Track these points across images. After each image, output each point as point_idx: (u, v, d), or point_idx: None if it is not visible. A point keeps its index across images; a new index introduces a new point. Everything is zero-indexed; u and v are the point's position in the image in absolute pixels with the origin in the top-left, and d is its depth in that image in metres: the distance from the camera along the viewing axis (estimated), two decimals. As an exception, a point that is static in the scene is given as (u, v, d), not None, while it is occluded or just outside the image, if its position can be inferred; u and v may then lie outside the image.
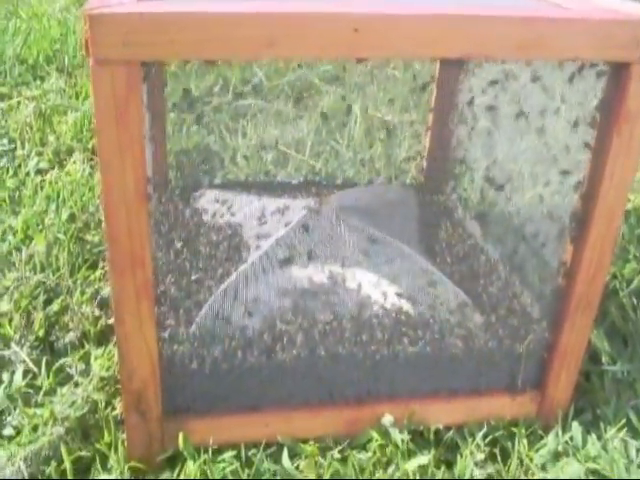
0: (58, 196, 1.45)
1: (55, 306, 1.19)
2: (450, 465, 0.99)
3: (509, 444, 1.02)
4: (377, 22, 0.73)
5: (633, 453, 1.01)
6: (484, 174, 1.14)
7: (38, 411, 1.00)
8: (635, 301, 1.26)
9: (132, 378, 0.89)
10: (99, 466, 0.94)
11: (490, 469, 0.98)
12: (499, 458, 1.00)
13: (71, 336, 1.15)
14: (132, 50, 0.70)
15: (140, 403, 0.91)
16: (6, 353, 1.09)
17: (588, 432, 1.04)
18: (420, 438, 1.01)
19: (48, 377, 1.06)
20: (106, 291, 1.22)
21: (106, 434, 0.98)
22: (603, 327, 1.21)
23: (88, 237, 1.36)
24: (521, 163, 1.11)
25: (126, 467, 0.94)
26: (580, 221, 0.93)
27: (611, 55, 0.80)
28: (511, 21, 0.75)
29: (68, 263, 1.28)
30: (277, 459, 0.97)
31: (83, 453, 0.95)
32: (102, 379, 1.06)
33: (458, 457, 0.99)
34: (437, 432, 1.02)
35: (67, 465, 0.93)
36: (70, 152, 1.65)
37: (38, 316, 1.16)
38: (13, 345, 1.11)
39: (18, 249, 1.32)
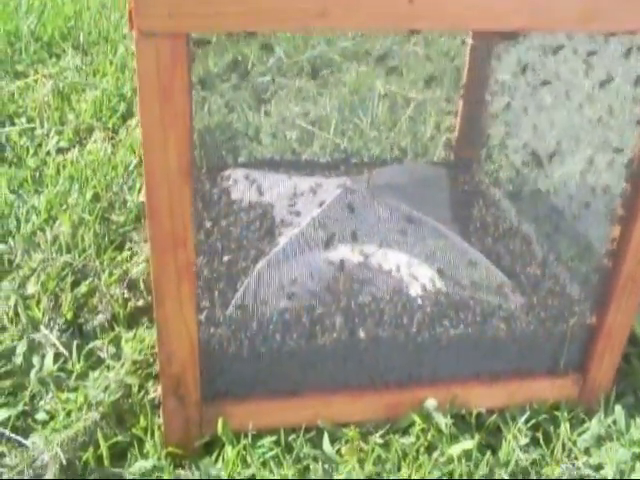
0: (81, 175, 1.42)
1: (83, 288, 1.16)
2: (492, 449, 0.97)
3: (551, 428, 1.00)
4: (433, -8, 0.69)
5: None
6: (526, 150, 1.10)
7: (71, 396, 0.98)
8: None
9: (171, 361, 0.87)
10: (136, 451, 0.92)
11: (534, 454, 0.96)
12: (542, 442, 0.98)
13: (100, 318, 1.13)
14: (178, 21, 0.67)
15: (179, 387, 0.89)
16: (36, 336, 1.07)
17: (631, 416, 1.02)
18: (461, 422, 0.99)
19: (79, 361, 1.04)
20: (135, 272, 1.19)
21: (142, 419, 0.96)
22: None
23: (113, 217, 1.33)
24: (566, 139, 1.08)
25: (163, 452, 0.92)
26: (629, 200, 0.90)
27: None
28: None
29: (94, 244, 1.25)
30: (317, 444, 0.95)
31: (120, 439, 0.93)
32: (134, 362, 1.04)
33: (501, 441, 0.97)
34: (478, 416, 1.00)
35: (104, 451, 0.91)
36: (90, 131, 1.61)
37: (66, 298, 1.14)
38: (42, 328, 1.08)
39: (42, 229, 1.29)
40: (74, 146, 1.56)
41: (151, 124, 0.72)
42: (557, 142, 1.09)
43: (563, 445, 0.98)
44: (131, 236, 1.30)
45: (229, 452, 0.92)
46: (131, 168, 1.45)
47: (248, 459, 0.91)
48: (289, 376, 0.95)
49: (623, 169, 0.91)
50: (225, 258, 1.07)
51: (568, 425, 1.00)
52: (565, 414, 1.01)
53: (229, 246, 1.10)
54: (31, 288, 1.15)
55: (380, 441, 0.94)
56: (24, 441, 0.92)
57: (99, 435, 0.91)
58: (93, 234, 1.26)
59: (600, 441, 0.99)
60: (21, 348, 1.04)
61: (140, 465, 0.90)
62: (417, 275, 1.04)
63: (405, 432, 0.97)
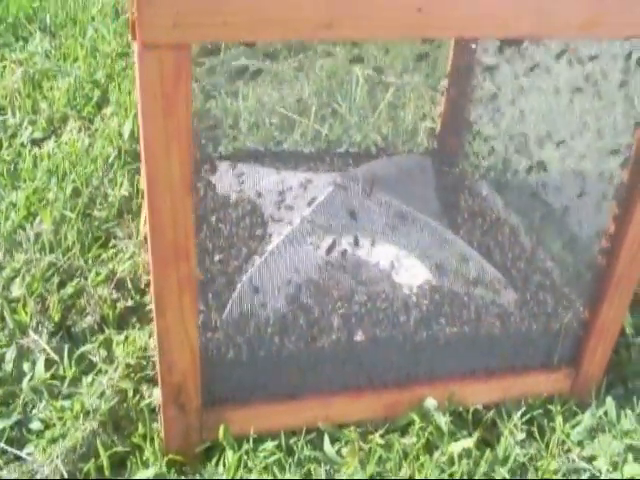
0: (58, 169, 1.38)
1: (69, 289, 1.14)
2: (489, 444, 0.98)
3: (545, 421, 1.02)
4: (442, 1, 0.68)
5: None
6: (517, 141, 1.10)
7: (65, 403, 0.96)
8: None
9: (172, 371, 0.86)
10: (136, 459, 0.91)
11: (531, 449, 0.97)
12: (537, 436, 0.99)
13: (89, 320, 1.11)
14: (183, 32, 0.65)
15: (180, 396, 0.88)
16: (25, 341, 1.05)
17: (621, 407, 1.04)
18: (458, 419, 1.00)
19: (70, 366, 1.02)
20: (121, 271, 1.17)
21: (140, 425, 0.95)
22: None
23: (95, 213, 1.30)
24: (563, 140, 1.08)
25: (164, 460, 0.91)
26: (625, 200, 0.91)
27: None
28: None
29: (77, 241, 1.22)
30: (317, 446, 0.95)
31: (119, 448, 0.92)
32: (127, 366, 1.03)
33: (497, 437, 0.98)
34: (475, 412, 1.01)
35: (104, 462, 0.89)
36: (64, 120, 1.57)
37: (53, 300, 1.11)
38: (31, 332, 1.06)
39: (22, 227, 1.26)
40: (49, 136, 1.52)
41: (153, 136, 0.70)
42: (547, 132, 1.09)
43: (557, 438, 1.00)
44: (114, 232, 1.27)
45: (230, 457, 0.91)
46: (110, 160, 1.41)
47: (249, 464, 0.91)
48: (287, 379, 0.95)
49: (618, 167, 0.91)
50: (216, 258, 1.06)
51: (561, 418, 1.02)
52: (558, 407, 1.03)
53: (220, 245, 1.09)
54: (16, 291, 1.12)
55: (381, 441, 0.95)
56: (20, 453, 0.91)
57: (99, 445, 0.90)
58: (76, 231, 1.23)
59: (592, 433, 1.01)
60: (10, 354, 1.02)
61: (142, 474, 0.89)
62: (412, 273, 1.04)
63: (404, 431, 0.98)
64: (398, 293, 1.01)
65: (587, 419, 1.02)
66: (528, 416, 1.01)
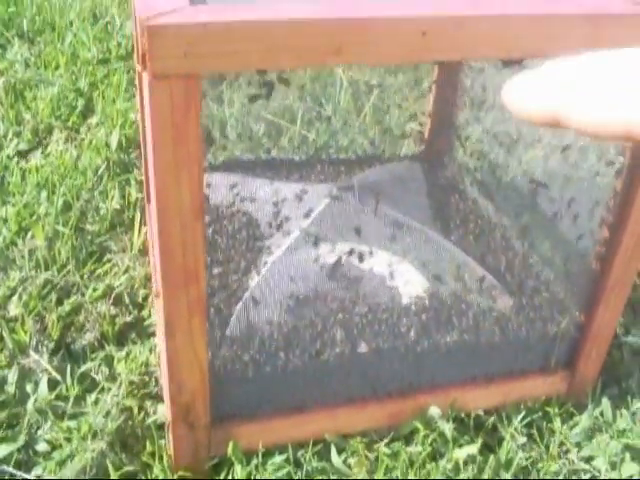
0: (48, 183, 1.37)
1: (67, 306, 1.14)
2: (491, 449, 1.00)
3: (544, 424, 1.04)
4: (446, 24, 0.69)
5: (663, 425, 1.04)
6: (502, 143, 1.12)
7: (71, 424, 0.96)
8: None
9: (181, 391, 0.86)
10: (147, 478, 0.92)
11: (532, 452, 1.00)
12: (537, 438, 1.02)
13: (89, 337, 1.10)
14: (193, 62, 0.65)
15: (189, 414, 0.89)
16: (26, 362, 1.04)
17: (617, 406, 1.07)
18: (460, 425, 1.02)
19: (73, 386, 1.02)
20: (118, 285, 1.17)
21: (147, 443, 0.95)
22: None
23: (88, 227, 1.29)
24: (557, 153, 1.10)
25: (174, 477, 0.92)
26: (619, 208, 0.93)
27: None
28: (583, 18, 0.72)
29: (72, 257, 1.22)
30: (324, 456, 0.96)
31: (129, 468, 0.92)
32: (131, 383, 1.03)
33: (499, 441, 1.00)
34: (476, 417, 1.03)
35: (115, 482, 0.90)
36: (50, 130, 1.55)
37: (51, 318, 1.11)
38: (31, 352, 1.06)
39: (14, 243, 1.25)
40: (35, 148, 1.50)
41: (164, 166, 0.70)
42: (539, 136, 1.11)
43: (556, 440, 1.02)
44: (108, 246, 1.27)
45: (239, 472, 0.92)
46: (100, 172, 1.41)
47: (258, 477, 0.92)
48: (293, 392, 0.96)
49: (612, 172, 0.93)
50: (215, 271, 1.06)
51: (560, 420, 1.04)
52: (556, 410, 1.05)
53: (217, 259, 1.09)
54: (13, 310, 1.12)
55: (387, 451, 0.96)
56: (29, 476, 0.91)
57: (109, 464, 0.90)
58: (70, 247, 1.23)
59: (590, 433, 1.04)
60: (12, 376, 1.02)
61: (153, 493, 0.90)
62: (411, 282, 1.05)
63: (408, 439, 0.99)
64: (398, 303, 1.03)
65: (584, 420, 1.04)
66: (528, 419, 1.03)
